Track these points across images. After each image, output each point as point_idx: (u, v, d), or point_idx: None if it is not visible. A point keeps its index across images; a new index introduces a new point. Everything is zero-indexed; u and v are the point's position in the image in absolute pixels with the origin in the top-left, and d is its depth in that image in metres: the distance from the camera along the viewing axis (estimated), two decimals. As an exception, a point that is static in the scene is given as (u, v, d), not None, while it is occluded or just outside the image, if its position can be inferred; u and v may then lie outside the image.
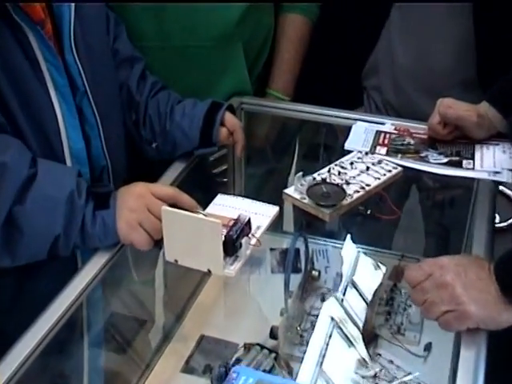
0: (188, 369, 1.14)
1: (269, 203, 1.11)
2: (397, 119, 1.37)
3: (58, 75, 1.02)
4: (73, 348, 1.08)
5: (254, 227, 1.02)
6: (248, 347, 1.12)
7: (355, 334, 1.03)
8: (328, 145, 1.44)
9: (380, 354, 1.12)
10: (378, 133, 1.32)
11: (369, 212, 1.16)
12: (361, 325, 1.04)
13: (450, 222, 1.47)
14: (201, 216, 0.92)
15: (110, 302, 1.16)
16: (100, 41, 1.14)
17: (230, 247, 0.93)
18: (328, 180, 1.15)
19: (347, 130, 1.35)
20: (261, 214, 1.07)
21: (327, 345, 1.00)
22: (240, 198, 1.12)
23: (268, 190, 1.53)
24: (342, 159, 1.23)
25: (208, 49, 1.35)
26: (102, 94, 1.11)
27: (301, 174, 1.12)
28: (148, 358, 1.17)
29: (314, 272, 1.29)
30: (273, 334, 1.13)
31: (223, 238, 0.93)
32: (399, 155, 1.25)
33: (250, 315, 1.24)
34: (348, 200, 1.10)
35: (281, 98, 1.51)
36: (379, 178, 1.16)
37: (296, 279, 1.20)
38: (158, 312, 1.34)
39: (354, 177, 1.17)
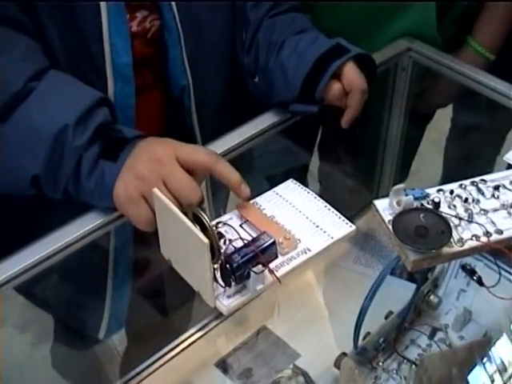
0: (223, 364, 0.96)
1: (349, 218, 0.76)
2: None
3: None
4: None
5: (299, 249, 0.71)
6: (294, 372, 0.93)
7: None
8: (494, 144, 1.02)
9: None
10: None
11: (476, 278, 0.77)
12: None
13: None
14: (189, 223, 0.62)
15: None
16: None
17: (227, 276, 0.65)
18: (445, 204, 0.78)
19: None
20: (323, 230, 0.74)
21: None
22: (312, 196, 0.78)
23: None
24: (488, 176, 0.82)
25: None
26: None
27: (402, 186, 0.76)
28: (189, 331, 1.00)
29: (432, 297, 1.00)
30: (338, 363, 0.90)
31: (220, 261, 0.65)
32: None
33: (332, 320, 1.02)
34: (453, 248, 0.73)
35: (481, 54, 1.16)
36: (523, 226, 0.76)
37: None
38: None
39: (486, 211, 0.77)
